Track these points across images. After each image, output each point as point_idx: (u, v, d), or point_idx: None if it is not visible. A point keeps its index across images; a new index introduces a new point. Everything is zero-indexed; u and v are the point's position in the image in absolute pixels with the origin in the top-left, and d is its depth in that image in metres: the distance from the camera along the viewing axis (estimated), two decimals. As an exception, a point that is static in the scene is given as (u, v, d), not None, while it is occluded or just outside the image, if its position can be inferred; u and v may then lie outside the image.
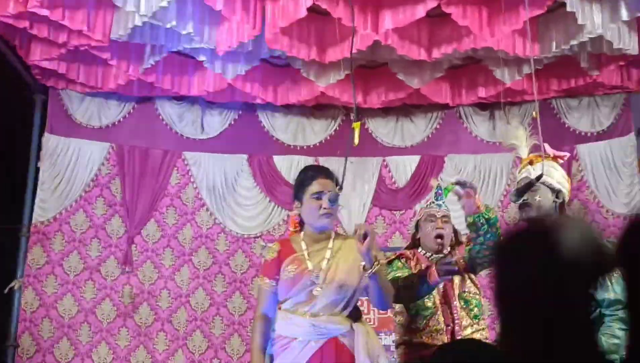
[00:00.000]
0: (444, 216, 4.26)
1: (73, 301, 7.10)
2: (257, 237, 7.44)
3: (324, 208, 3.76)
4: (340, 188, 3.95)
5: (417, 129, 7.70)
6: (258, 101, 7.24)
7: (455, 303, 4.14)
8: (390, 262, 4.28)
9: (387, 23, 5.85)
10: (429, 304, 4.09)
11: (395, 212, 7.58)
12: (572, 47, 6.25)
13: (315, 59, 6.28)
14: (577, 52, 6.50)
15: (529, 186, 3.68)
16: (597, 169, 7.46)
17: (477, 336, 4.08)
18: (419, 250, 4.35)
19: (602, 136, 7.53)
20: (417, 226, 4.40)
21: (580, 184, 7.46)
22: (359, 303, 3.86)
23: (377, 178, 7.58)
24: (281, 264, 3.80)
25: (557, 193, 3.69)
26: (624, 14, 5.74)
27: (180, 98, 7.42)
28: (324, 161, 7.46)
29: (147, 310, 7.22)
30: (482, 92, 7.15)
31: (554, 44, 6.22)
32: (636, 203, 7.43)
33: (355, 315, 3.82)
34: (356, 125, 3.93)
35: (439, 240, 4.21)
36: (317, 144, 7.64)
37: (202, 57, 6.48)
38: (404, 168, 7.61)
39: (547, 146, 3.83)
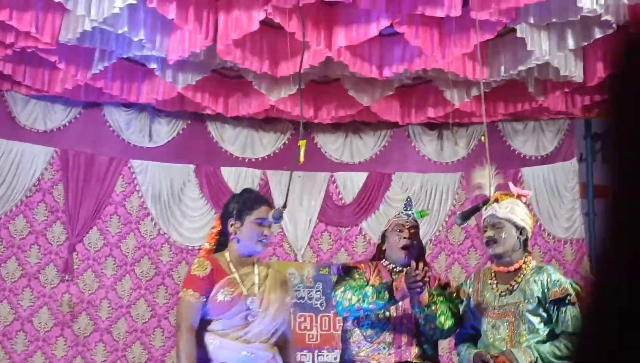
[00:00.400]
0: (412, 227, 4.11)
1: (9, 309, 6.92)
2: (202, 249, 7.35)
3: (265, 235, 3.80)
4: (285, 206, 3.94)
5: (366, 146, 7.75)
6: (208, 111, 7.19)
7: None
8: (347, 269, 4.20)
9: (340, 40, 5.88)
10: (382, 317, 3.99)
11: (341, 229, 7.60)
12: (520, 72, 6.37)
13: (267, 72, 6.27)
14: (525, 77, 6.62)
15: (475, 210, 3.82)
16: (540, 192, 7.59)
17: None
18: (383, 261, 4.17)
19: (546, 160, 7.68)
20: (383, 237, 4.26)
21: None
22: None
23: (324, 193, 7.59)
24: (213, 283, 3.75)
25: (520, 229, 3.83)
26: (571, 43, 5.88)
27: (128, 105, 7.32)
28: (271, 175, 7.47)
29: (86, 319, 7.08)
30: (431, 113, 7.22)
31: (502, 68, 6.34)
32: (577, 227, 7.58)
33: (279, 343, 3.90)
34: (302, 143, 3.92)
35: (405, 251, 4.03)
36: (266, 158, 7.62)
37: (152, 65, 6.41)
38: (351, 184, 7.64)
39: (511, 185, 4.01)
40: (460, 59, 6.16)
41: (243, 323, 3.75)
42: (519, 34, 5.80)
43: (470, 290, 3.95)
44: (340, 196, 7.64)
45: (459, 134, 7.63)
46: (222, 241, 3.96)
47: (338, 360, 7.01)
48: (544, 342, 3.66)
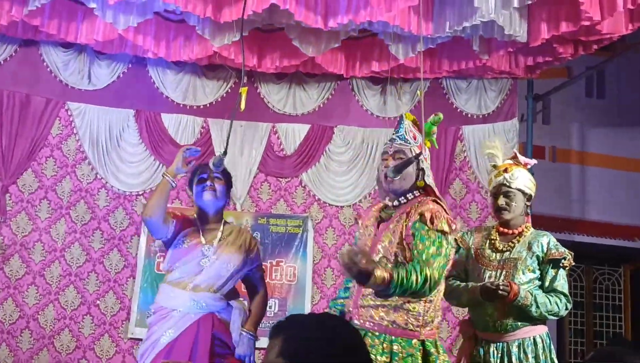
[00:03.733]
0: (396, 151, 3.50)
1: (-62, 249, 6.77)
2: (140, 195, 7.28)
3: (204, 186, 4.17)
4: (225, 153, 3.95)
5: (309, 98, 7.69)
6: (149, 55, 7.04)
7: None
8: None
9: (285, -13, 5.79)
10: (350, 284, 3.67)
11: (281, 179, 7.57)
12: (465, 29, 6.36)
13: (211, 17, 6.15)
14: (470, 34, 6.62)
15: (407, 163, 3.39)
16: (479, 150, 7.65)
17: None
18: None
19: (487, 119, 7.74)
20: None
21: (463, 164, 7.65)
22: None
23: (265, 143, 7.54)
24: (179, 228, 4.13)
25: (528, 197, 4.18)
26: (516, 1, 5.87)
27: (67, 45, 7.11)
28: (213, 123, 7.39)
29: (18, 262, 6.96)
30: (375, 66, 7.19)
31: (447, 24, 6.30)
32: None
33: (232, 296, 4.17)
34: (243, 90, 3.89)
35: (388, 181, 3.47)
36: (208, 105, 7.51)
37: (92, 4, 6.22)
38: (293, 135, 7.60)
39: (519, 155, 4.28)
40: (405, 12, 6.11)
41: (197, 270, 4.03)
42: (465, -10, 5.78)
43: (471, 241, 4.24)
44: (281, 147, 7.59)
45: (403, 90, 7.63)
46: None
47: (273, 308, 7.18)
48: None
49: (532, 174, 4.27)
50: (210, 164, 3.99)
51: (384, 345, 3.25)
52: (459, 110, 7.73)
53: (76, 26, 6.65)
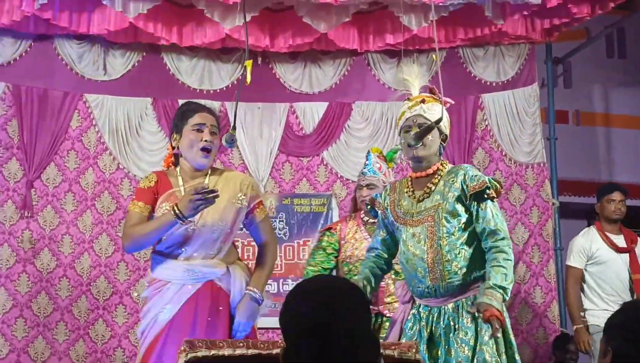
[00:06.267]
0: (368, 184, 4.83)
1: (-32, 248, 6.88)
2: (161, 180, 7.31)
3: (205, 140, 3.69)
4: (234, 128, 3.92)
5: (325, 75, 7.66)
6: (162, 42, 7.05)
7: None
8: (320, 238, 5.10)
9: (291, -36, 5.76)
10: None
11: (302, 159, 7.56)
12: (477, -5, 6.29)
13: (218, -2, 6.15)
14: (482, 0, 6.54)
15: (428, 129, 3.71)
16: (501, 118, 7.59)
17: None
18: (361, 213, 4.93)
19: (506, 86, 7.65)
20: (356, 190, 5.00)
21: (485, 132, 7.58)
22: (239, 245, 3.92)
23: (284, 124, 7.53)
24: (157, 195, 3.70)
25: (444, 137, 3.82)
26: (527, -37, 5.79)
27: (80, 37, 7.15)
28: (230, 106, 7.38)
29: (48, 256, 7.04)
30: (389, 39, 7.15)
31: (459, -10, 6.24)
32: (538, 151, 7.61)
33: (231, 258, 3.79)
34: (248, 63, 3.87)
35: (366, 202, 4.46)
36: (224, 88, 7.50)
37: (101, -6, 6.26)
38: (311, 114, 7.58)
39: (436, 91, 3.89)
40: (414, -19, 6.06)
41: (183, 238, 3.66)
42: (474, -46, 5.71)
43: (387, 202, 3.86)
44: (300, 126, 7.58)
45: (419, 61, 7.55)
46: (175, 161, 3.89)
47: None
48: (466, 243, 3.60)
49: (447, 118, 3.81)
50: (223, 142, 3.86)
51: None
52: (477, 78, 7.65)
53: (87, 17, 6.68)
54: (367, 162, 4.92)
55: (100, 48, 7.29)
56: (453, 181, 3.65)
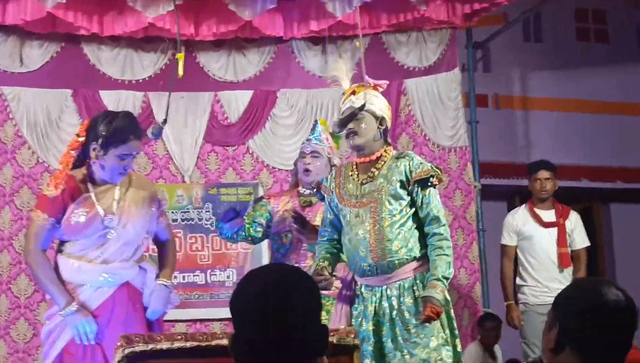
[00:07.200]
0: (312, 151, 4.55)
1: None
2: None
3: (125, 168, 3.76)
4: (165, 122, 3.89)
5: (250, 63, 7.59)
6: (82, 31, 6.86)
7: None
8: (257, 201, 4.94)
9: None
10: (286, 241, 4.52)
11: (227, 148, 7.50)
12: (400, -20, 6.35)
13: (141, -13, 6.03)
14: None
15: (352, 116, 3.86)
16: (423, 103, 7.69)
17: None
18: (299, 187, 4.68)
19: (429, 71, 7.74)
20: (295, 164, 4.75)
21: (408, 118, 7.67)
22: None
23: (209, 113, 7.44)
24: (66, 204, 3.64)
25: (380, 120, 3.90)
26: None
27: (-6, 28, 6.91)
28: (153, 97, 7.26)
29: (-36, 254, 6.81)
30: (314, 25, 7.12)
31: (381, -25, 6.29)
32: (460, 135, 7.76)
33: (141, 256, 3.88)
34: (180, 56, 3.84)
35: (307, 173, 4.48)
36: (147, 79, 7.34)
37: (15, -17, 6.05)
38: (236, 103, 7.51)
39: (367, 77, 4.01)
40: (338, -34, 6.07)
41: (100, 242, 3.67)
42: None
43: (332, 185, 3.99)
44: (225, 115, 7.50)
45: (343, 48, 7.58)
46: (81, 156, 3.82)
47: (231, 278, 7.16)
48: (406, 225, 3.75)
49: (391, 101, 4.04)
50: (149, 133, 3.83)
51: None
52: (400, 64, 7.71)
53: (2, 7, 6.43)
54: (313, 130, 4.80)
55: (16, 39, 7.03)
56: (397, 166, 3.81)
